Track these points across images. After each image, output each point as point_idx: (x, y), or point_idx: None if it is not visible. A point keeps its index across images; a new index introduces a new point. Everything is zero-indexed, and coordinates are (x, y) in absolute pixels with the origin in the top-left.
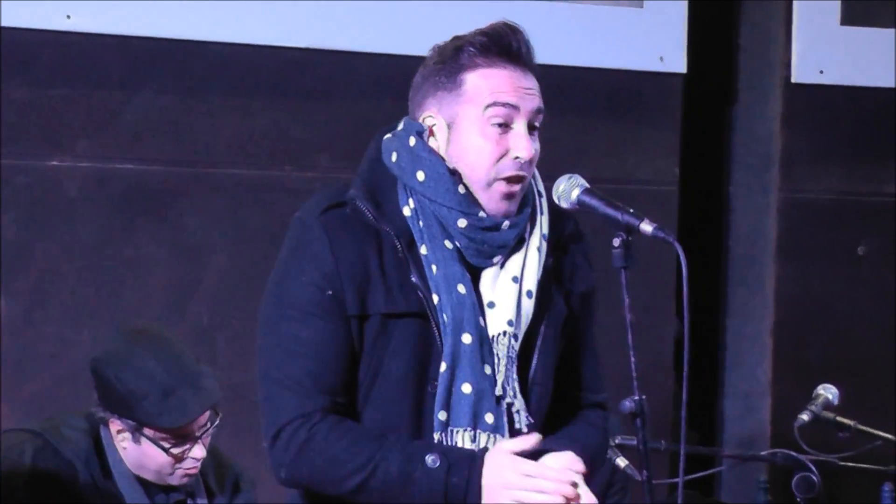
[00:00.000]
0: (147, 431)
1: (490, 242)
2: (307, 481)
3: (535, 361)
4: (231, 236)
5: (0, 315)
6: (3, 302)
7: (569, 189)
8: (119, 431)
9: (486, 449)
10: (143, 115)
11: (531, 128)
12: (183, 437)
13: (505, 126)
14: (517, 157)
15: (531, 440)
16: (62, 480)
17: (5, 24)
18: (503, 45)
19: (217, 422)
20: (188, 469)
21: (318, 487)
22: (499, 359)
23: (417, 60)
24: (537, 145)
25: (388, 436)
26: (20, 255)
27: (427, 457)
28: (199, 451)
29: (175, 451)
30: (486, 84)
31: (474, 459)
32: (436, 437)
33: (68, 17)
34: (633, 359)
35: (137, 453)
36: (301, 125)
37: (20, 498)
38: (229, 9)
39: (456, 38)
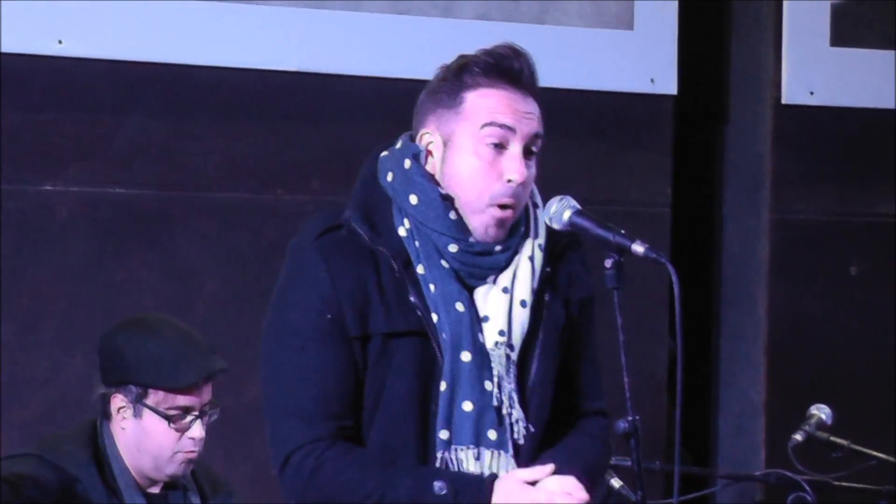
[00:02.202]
0: (151, 399)
1: (481, 266)
2: None
3: (533, 370)
4: (223, 260)
5: None
6: None
7: (560, 210)
8: (120, 409)
9: (494, 475)
10: (134, 140)
11: (528, 152)
12: (186, 408)
13: (500, 147)
14: (510, 180)
15: (546, 471)
16: (66, 495)
17: None
18: (506, 68)
19: (216, 415)
20: (187, 452)
21: None
22: (496, 373)
23: (408, 83)
24: (533, 170)
25: (396, 463)
26: (12, 279)
27: (435, 483)
28: (198, 431)
29: (175, 424)
30: (485, 104)
31: (481, 486)
32: (439, 455)
33: (60, 42)
34: (626, 379)
35: (136, 435)
36: (292, 148)
37: None
38: (219, 33)
39: (461, 57)
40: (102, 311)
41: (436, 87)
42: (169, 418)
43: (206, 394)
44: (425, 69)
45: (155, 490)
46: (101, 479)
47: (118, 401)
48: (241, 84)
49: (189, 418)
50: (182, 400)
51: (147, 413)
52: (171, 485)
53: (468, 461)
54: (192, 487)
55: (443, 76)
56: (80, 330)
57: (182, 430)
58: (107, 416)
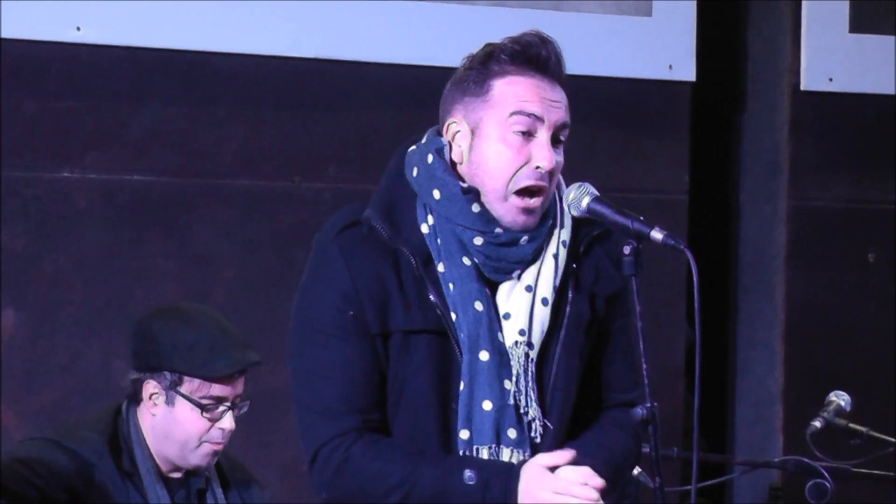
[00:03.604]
0: (185, 387)
1: (507, 258)
2: (347, 501)
3: (554, 368)
4: (239, 247)
5: (9, 327)
6: (12, 314)
7: (579, 197)
8: (153, 395)
9: (522, 462)
10: (151, 127)
11: (555, 141)
12: (219, 398)
13: (528, 135)
14: (538, 167)
15: (566, 456)
16: (81, 480)
17: (14, 36)
18: (533, 55)
19: (246, 407)
20: (214, 443)
21: None
22: (516, 371)
23: (426, 70)
24: (560, 158)
25: (424, 452)
26: (29, 267)
27: (464, 472)
28: (228, 422)
29: (208, 414)
30: (513, 91)
31: (510, 474)
32: (460, 454)
33: (78, 28)
34: (644, 366)
35: (167, 421)
36: (309, 136)
37: (28, 496)
38: (237, 19)
39: (487, 45)
40: (120, 298)
41: (462, 76)
42: (202, 407)
43: (240, 386)
44: (443, 56)
45: (177, 475)
46: (115, 466)
47: (151, 387)
48: (258, 71)
49: (221, 409)
50: (217, 390)
51: (180, 401)
52: (193, 471)
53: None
54: (214, 476)
55: (469, 65)
56: (98, 317)
57: (213, 420)
58: (136, 400)
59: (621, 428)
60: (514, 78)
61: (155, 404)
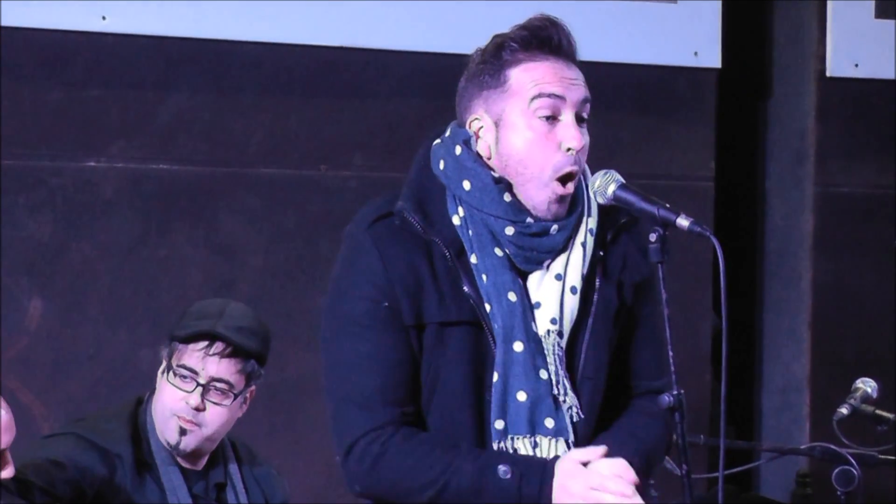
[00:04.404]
0: (175, 357)
1: (538, 248)
2: (382, 494)
3: (583, 356)
4: (266, 235)
5: (37, 317)
6: (40, 303)
7: (605, 184)
8: (162, 372)
9: (557, 457)
10: (177, 116)
11: (579, 119)
12: (191, 370)
13: (552, 119)
14: (569, 149)
15: (600, 451)
16: (107, 475)
17: (42, 26)
18: (544, 38)
19: (233, 400)
20: (182, 419)
21: (392, 499)
22: (550, 359)
23: (451, 58)
24: (587, 137)
25: (460, 446)
26: (56, 256)
27: (499, 467)
28: (195, 398)
29: (178, 380)
30: (530, 77)
31: (545, 469)
32: (495, 445)
33: (104, 18)
34: (670, 353)
35: (158, 396)
36: (335, 124)
37: (62, 495)
38: (263, 8)
39: (496, 37)
40: (146, 287)
41: (476, 71)
42: (175, 373)
43: (218, 368)
44: (468, 44)
45: (194, 467)
46: (135, 458)
47: (163, 362)
48: (284, 60)
49: (191, 381)
50: (187, 358)
51: (169, 372)
52: (213, 462)
53: (525, 450)
54: (236, 471)
55: (481, 59)
56: (124, 306)
57: (181, 389)
58: (154, 385)
59: (652, 417)
60: (529, 64)
61: (160, 378)
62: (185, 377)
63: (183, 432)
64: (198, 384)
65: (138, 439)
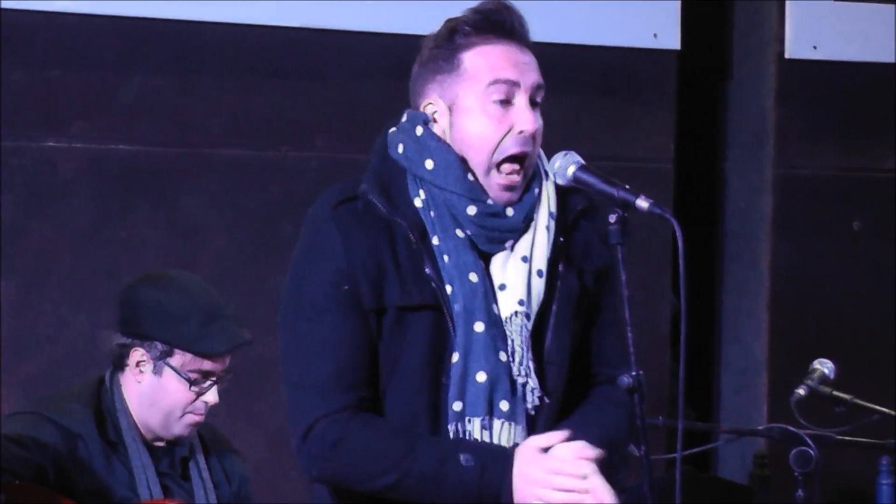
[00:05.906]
0: (175, 360)
1: (499, 228)
2: (339, 478)
3: (548, 341)
4: (227, 217)
5: None
6: (0, 283)
7: (564, 166)
8: (140, 363)
9: (517, 444)
10: (138, 96)
11: (533, 103)
12: (208, 373)
13: (506, 103)
14: (521, 132)
15: (559, 436)
16: (68, 453)
17: (1, 5)
18: (497, 22)
19: (228, 381)
20: (197, 415)
21: (349, 484)
22: (513, 341)
23: (413, 39)
24: (540, 121)
25: (419, 433)
26: (17, 236)
27: (461, 455)
28: (213, 396)
29: (195, 388)
30: (485, 61)
31: (507, 458)
32: (450, 428)
33: None
34: (629, 334)
35: (152, 390)
36: (297, 105)
37: (24, 474)
38: None
39: (449, 21)
40: (107, 268)
41: (429, 56)
42: (190, 381)
43: (227, 361)
44: (430, 25)
45: (161, 444)
46: (100, 437)
47: (138, 354)
48: (246, 41)
49: (208, 383)
50: (207, 365)
51: (168, 372)
52: (176, 440)
53: (478, 432)
54: (198, 444)
55: (433, 44)
56: (85, 287)
57: (199, 394)
58: (120, 367)
59: (614, 403)
60: (483, 48)
61: (141, 371)
62: (200, 382)
63: (195, 425)
64: (213, 382)
65: (102, 419)
